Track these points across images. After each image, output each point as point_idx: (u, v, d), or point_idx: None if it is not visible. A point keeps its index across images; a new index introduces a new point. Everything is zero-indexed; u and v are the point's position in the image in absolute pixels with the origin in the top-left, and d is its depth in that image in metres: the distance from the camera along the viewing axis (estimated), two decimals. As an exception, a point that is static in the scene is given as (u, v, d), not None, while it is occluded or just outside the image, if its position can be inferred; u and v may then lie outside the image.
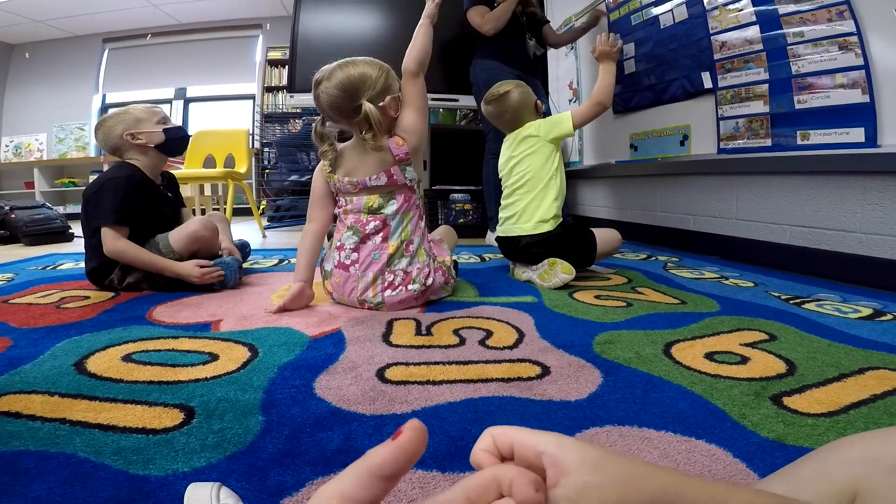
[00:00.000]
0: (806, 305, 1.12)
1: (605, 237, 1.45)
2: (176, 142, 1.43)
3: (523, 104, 1.50)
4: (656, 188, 2.30)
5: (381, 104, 1.06)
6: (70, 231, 2.82)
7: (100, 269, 1.31)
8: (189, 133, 1.50)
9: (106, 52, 5.48)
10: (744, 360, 0.78)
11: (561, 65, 3.12)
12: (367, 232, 1.10)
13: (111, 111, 1.43)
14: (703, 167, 1.95)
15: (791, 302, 1.15)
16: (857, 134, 1.41)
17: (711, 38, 1.88)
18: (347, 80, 1.04)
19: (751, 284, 1.36)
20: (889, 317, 1.02)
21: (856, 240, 1.42)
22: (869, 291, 1.27)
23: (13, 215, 2.71)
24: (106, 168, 3.76)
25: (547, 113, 1.48)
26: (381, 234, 1.10)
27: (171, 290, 1.30)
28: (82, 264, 1.43)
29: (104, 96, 5.53)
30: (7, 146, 5.16)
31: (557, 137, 1.45)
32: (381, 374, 0.74)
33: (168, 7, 4.83)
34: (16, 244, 2.68)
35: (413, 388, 0.69)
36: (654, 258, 1.85)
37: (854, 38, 1.43)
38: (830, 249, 1.48)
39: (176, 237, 1.33)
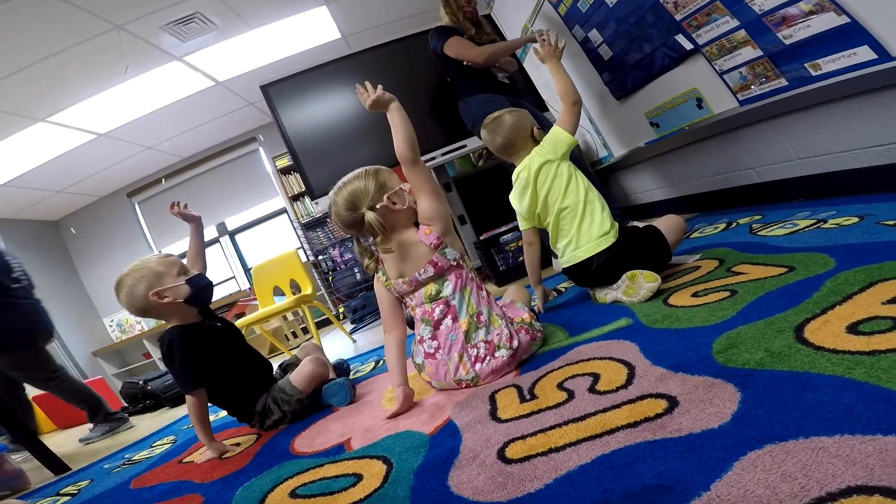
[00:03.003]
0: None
1: (668, 226, 1.36)
2: (202, 291, 1.39)
3: (517, 128, 1.47)
4: (701, 154, 2.15)
5: (381, 205, 1.11)
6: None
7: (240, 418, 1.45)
8: (212, 280, 1.45)
9: (136, 206, 5.62)
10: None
11: (542, 72, 2.96)
12: (436, 318, 1.13)
13: (126, 269, 1.34)
14: (733, 122, 1.82)
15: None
16: (865, 52, 1.27)
17: (661, 1, 1.79)
18: (345, 201, 1.13)
19: (856, 219, 1.18)
20: None
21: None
22: None
23: (149, 387, 3.17)
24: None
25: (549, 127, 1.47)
26: (449, 317, 1.13)
27: (298, 420, 1.43)
28: (221, 414, 1.85)
29: (160, 253, 5.87)
30: (111, 325, 5.58)
31: (567, 152, 1.41)
32: (502, 456, 0.72)
33: (163, 146, 4.95)
34: (161, 408, 3.14)
35: (538, 462, 0.66)
36: (734, 224, 1.68)
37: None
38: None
39: (297, 380, 1.42)
